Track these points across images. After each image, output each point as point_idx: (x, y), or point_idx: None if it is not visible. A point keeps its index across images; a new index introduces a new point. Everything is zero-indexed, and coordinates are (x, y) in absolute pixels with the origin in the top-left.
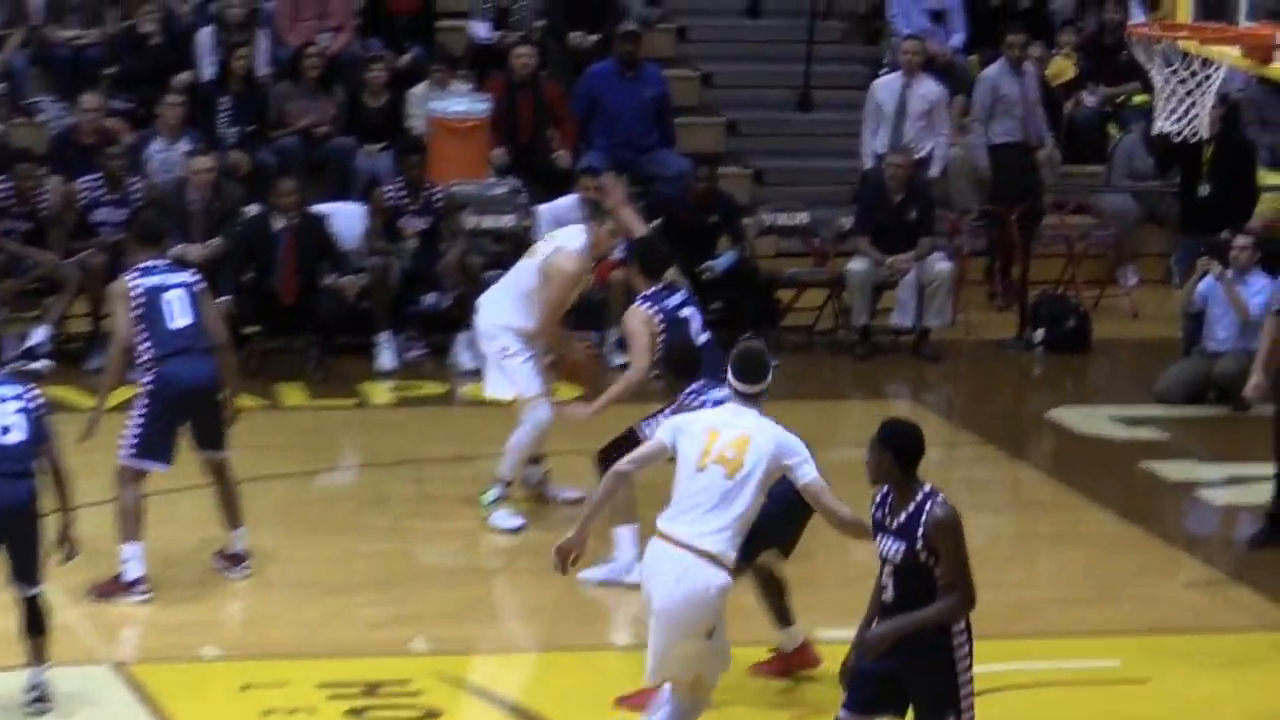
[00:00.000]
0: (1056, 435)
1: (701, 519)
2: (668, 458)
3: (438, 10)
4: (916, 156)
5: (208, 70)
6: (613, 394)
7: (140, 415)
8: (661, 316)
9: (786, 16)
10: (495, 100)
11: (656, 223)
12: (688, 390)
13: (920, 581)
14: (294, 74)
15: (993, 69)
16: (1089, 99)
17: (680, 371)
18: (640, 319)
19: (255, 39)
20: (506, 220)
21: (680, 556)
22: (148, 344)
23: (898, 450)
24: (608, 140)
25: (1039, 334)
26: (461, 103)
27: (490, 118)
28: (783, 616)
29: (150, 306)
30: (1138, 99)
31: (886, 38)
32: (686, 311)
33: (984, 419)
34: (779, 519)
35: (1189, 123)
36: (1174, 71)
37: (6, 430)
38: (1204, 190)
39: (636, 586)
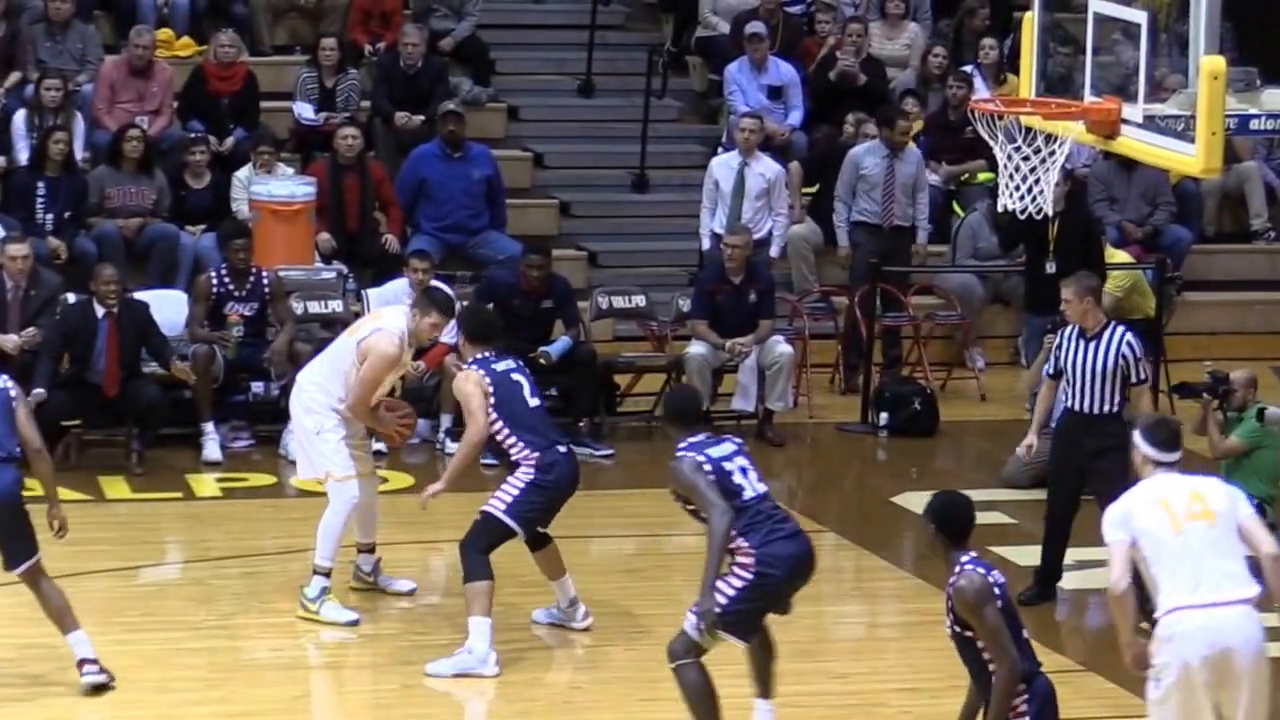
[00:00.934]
0: (902, 521)
1: (1214, 576)
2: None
3: (261, 91)
4: (755, 236)
5: (22, 155)
6: (458, 460)
7: None
8: (491, 379)
9: (620, 95)
10: (320, 183)
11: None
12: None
13: (969, 655)
14: (113, 158)
15: (861, 146)
16: (932, 177)
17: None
18: (471, 382)
19: (72, 122)
20: (334, 305)
21: (1225, 617)
22: None
23: (939, 523)
24: (435, 223)
25: (884, 417)
26: (286, 186)
27: (315, 201)
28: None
29: None
30: (982, 177)
31: (724, 116)
32: (517, 376)
33: (828, 505)
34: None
35: (1034, 199)
36: (1018, 148)
37: None
38: (1050, 268)
39: (491, 678)
